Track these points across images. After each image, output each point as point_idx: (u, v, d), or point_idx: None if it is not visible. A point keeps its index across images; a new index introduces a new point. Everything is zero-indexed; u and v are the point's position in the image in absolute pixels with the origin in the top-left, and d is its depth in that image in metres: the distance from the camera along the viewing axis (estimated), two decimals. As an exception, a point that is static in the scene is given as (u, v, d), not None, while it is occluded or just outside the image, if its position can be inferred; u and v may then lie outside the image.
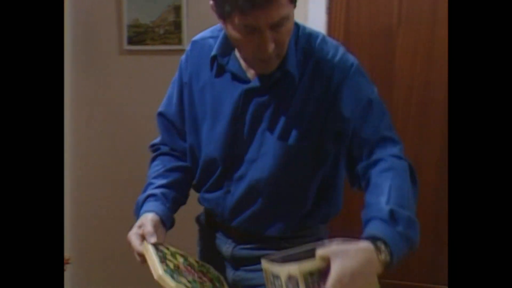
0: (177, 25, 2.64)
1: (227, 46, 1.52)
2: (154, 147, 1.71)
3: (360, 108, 1.46)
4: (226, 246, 1.58)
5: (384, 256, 1.25)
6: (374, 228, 1.30)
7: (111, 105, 2.72)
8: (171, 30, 2.66)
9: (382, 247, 1.26)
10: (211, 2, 1.41)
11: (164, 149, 1.67)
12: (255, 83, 1.50)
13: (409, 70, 2.50)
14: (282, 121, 1.49)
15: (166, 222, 1.48)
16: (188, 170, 1.63)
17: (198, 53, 1.61)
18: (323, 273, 1.18)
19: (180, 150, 1.65)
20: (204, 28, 2.61)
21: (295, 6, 1.41)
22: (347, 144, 1.48)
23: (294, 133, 1.49)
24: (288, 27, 1.39)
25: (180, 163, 1.63)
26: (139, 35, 2.69)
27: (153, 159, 1.69)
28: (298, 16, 2.77)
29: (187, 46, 2.53)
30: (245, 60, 1.49)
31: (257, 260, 1.49)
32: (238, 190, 1.54)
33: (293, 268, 1.19)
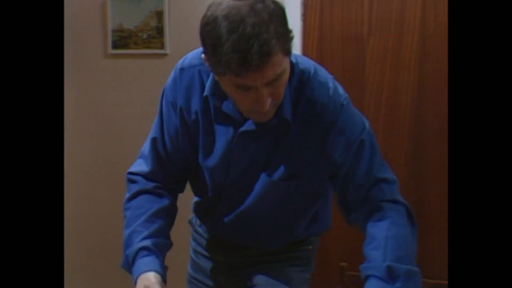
0: (159, 30, 2.67)
1: (220, 91, 1.41)
2: (133, 177, 1.61)
3: (352, 152, 1.42)
4: (220, 253, 1.63)
5: None
6: (373, 287, 1.34)
7: (96, 106, 2.76)
8: (154, 35, 2.69)
9: None
10: (203, 56, 1.33)
11: (145, 185, 1.58)
12: (249, 126, 1.43)
13: (379, 74, 2.61)
14: (274, 161, 1.46)
15: (165, 277, 1.44)
16: (171, 208, 1.56)
17: (187, 82, 1.51)
18: None
19: (167, 181, 1.57)
20: (185, 32, 2.71)
21: (290, 56, 1.33)
22: (340, 185, 1.45)
23: (284, 173, 1.45)
24: (284, 79, 1.33)
25: (163, 204, 1.55)
26: (123, 40, 2.73)
27: (132, 197, 1.58)
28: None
29: (168, 50, 2.62)
30: (240, 110, 1.41)
31: (252, 264, 1.57)
32: (229, 220, 1.55)
33: None
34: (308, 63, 1.46)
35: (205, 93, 1.45)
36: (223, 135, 1.47)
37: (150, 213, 1.51)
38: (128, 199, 1.58)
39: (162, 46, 2.68)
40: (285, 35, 1.27)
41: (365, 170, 1.43)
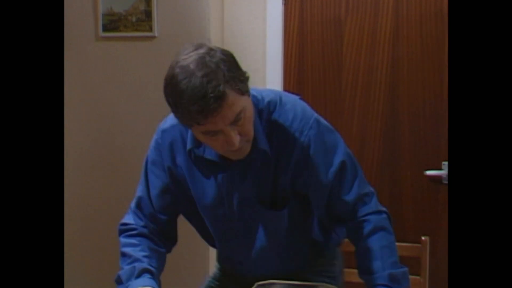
0: (148, 14, 2.71)
1: (198, 140, 1.51)
2: (128, 227, 1.68)
3: (333, 173, 1.53)
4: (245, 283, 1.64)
5: None
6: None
7: (87, 87, 2.81)
8: (143, 18, 2.72)
9: None
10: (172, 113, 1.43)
11: (142, 230, 1.65)
12: (233, 168, 1.54)
13: (356, 55, 2.73)
14: (264, 192, 1.55)
15: None
16: (164, 257, 1.67)
17: (170, 141, 1.62)
18: None
19: (158, 233, 1.65)
20: (173, 16, 2.79)
21: (248, 94, 1.43)
22: (326, 203, 1.57)
23: (278, 201, 1.56)
24: (247, 116, 1.41)
25: (161, 249, 1.65)
26: (113, 23, 2.75)
27: (131, 236, 1.65)
28: (257, 7, 3.05)
29: (156, 33, 2.71)
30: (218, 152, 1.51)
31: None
32: (248, 260, 1.64)
33: None
34: (273, 94, 1.56)
35: (188, 147, 1.56)
36: (212, 181, 1.57)
37: (151, 249, 1.62)
38: (125, 238, 1.66)
39: (150, 29, 2.72)
40: (236, 77, 1.38)
41: (349, 188, 1.56)
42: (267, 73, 2.82)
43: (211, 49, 1.40)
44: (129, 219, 1.69)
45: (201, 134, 1.43)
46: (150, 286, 1.51)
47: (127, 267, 1.57)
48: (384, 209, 1.60)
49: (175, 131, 1.62)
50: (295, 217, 1.60)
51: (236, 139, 1.41)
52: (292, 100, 1.57)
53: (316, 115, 1.56)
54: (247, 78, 1.44)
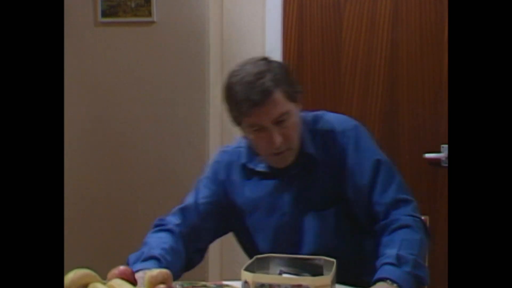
0: None
1: (252, 153, 1.69)
2: (161, 222, 1.74)
3: (369, 172, 1.60)
4: None
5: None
6: (382, 272, 1.47)
7: (87, 72, 2.82)
8: (142, 4, 2.73)
9: (390, 283, 1.43)
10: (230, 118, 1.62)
11: (173, 228, 1.70)
12: (282, 176, 1.66)
13: (355, 39, 2.74)
14: (313, 195, 1.64)
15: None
16: (182, 260, 1.67)
17: (228, 160, 1.75)
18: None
19: (192, 239, 1.70)
20: (172, 1, 2.80)
21: (297, 104, 1.61)
22: (363, 204, 1.62)
23: (327, 202, 1.63)
24: (292, 122, 1.57)
25: (182, 253, 1.67)
26: (112, 8, 2.76)
27: (159, 231, 1.70)
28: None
29: (155, 18, 2.73)
30: (262, 157, 1.66)
31: None
32: None
33: (249, 276, 1.35)
34: (317, 111, 1.73)
35: (243, 161, 1.71)
36: (263, 192, 1.69)
37: (170, 247, 1.63)
38: (154, 231, 1.72)
39: (149, 14, 2.72)
40: (286, 83, 1.57)
41: (383, 189, 1.60)
42: (266, 53, 2.81)
43: (271, 60, 1.62)
44: (166, 217, 1.76)
45: (248, 128, 1.59)
46: (153, 267, 1.51)
47: (137, 252, 1.62)
48: (420, 216, 1.60)
49: (234, 153, 1.76)
50: (341, 221, 1.65)
51: (278, 139, 1.55)
52: (336, 114, 1.73)
53: (356, 122, 1.70)
54: (299, 89, 1.63)
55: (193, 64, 2.72)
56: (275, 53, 2.81)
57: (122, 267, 1.34)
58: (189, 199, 1.77)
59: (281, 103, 1.55)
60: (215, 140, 2.81)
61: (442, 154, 2.66)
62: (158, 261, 1.58)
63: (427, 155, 2.67)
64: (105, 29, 2.79)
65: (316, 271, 1.46)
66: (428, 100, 2.68)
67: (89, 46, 2.81)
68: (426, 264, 1.58)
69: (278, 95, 1.54)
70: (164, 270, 1.33)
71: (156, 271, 1.33)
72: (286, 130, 1.57)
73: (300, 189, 1.66)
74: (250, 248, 1.77)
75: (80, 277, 1.28)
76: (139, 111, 2.78)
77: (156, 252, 1.60)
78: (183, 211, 1.75)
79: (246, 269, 1.39)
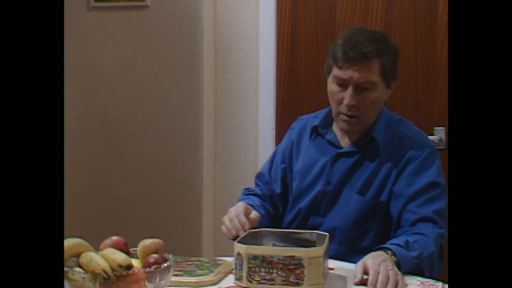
0: None
1: (327, 121, 1.77)
2: (248, 191, 1.90)
3: (419, 187, 1.62)
4: None
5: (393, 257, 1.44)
6: (386, 244, 1.50)
7: (80, 58, 2.81)
8: None
9: (390, 253, 1.45)
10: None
11: (258, 192, 1.86)
12: (346, 149, 1.72)
13: (349, 22, 2.73)
14: (362, 179, 1.68)
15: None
16: (270, 215, 1.81)
17: (302, 125, 1.85)
18: (266, 260, 1.35)
19: (272, 198, 1.85)
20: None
21: (387, 87, 1.66)
22: (401, 208, 1.63)
23: (370, 191, 1.67)
24: (372, 96, 1.63)
25: (270, 209, 1.82)
26: None
27: (247, 194, 1.87)
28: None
29: (149, 2, 2.70)
30: (334, 117, 1.72)
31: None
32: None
33: (241, 248, 1.37)
34: (406, 119, 1.79)
35: (315, 123, 1.78)
36: (322, 158, 1.75)
37: (260, 203, 1.79)
38: (242, 195, 1.89)
39: (142, -1, 2.70)
40: (388, 63, 1.63)
41: (422, 205, 1.61)
42: (260, 41, 2.82)
43: (388, 38, 1.69)
44: (251, 187, 1.91)
45: (332, 83, 1.65)
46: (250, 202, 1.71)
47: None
48: (440, 241, 1.59)
49: (309, 119, 1.84)
50: (374, 213, 1.68)
51: (351, 100, 1.61)
52: (420, 130, 1.77)
53: (435, 147, 1.73)
54: (395, 76, 1.69)
55: (186, 49, 2.72)
56: (269, 37, 2.81)
57: (114, 237, 1.35)
58: (263, 169, 1.90)
59: (373, 72, 1.61)
60: (209, 125, 2.82)
61: (435, 137, 2.67)
62: (260, 198, 1.81)
63: (421, 138, 2.69)
64: (98, 14, 2.78)
65: (309, 245, 1.47)
66: (422, 82, 2.70)
67: (82, 31, 2.80)
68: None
69: (375, 65, 1.61)
70: (157, 240, 1.34)
71: (149, 241, 1.34)
72: (363, 99, 1.63)
73: (354, 168, 1.70)
74: (279, 211, 1.85)
75: (72, 246, 1.28)
76: (132, 96, 2.78)
77: (250, 202, 1.74)
78: (259, 179, 1.89)
79: (239, 242, 1.40)
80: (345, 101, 1.63)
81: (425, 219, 1.60)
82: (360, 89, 1.62)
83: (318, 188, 1.73)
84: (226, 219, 1.61)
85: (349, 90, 1.61)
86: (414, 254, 1.50)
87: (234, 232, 1.56)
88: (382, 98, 1.68)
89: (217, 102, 2.90)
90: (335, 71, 1.64)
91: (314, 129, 1.78)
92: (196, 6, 2.69)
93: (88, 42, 2.80)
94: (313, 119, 1.83)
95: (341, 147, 1.73)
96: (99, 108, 2.82)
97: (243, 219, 1.57)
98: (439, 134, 2.67)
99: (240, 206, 1.64)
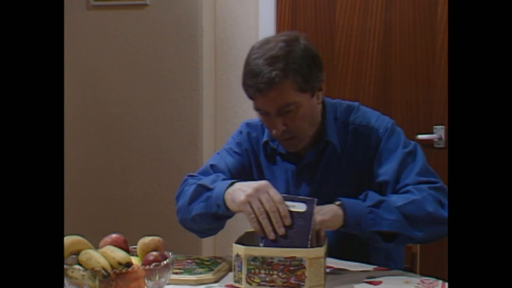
0: None
1: None
2: (193, 180, 1.67)
3: (396, 166, 1.56)
4: None
5: (341, 207, 1.43)
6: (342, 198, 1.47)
7: (79, 56, 2.82)
8: None
9: (337, 202, 1.45)
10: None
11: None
12: (305, 160, 1.62)
13: (348, 20, 2.74)
14: (330, 187, 1.61)
15: None
16: None
17: (249, 136, 1.71)
18: (266, 261, 1.32)
19: None
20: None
21: (312, 95, 1.53)
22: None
23: (341, 195, 1.54)
24: (299, 114, 1.52)
25: None
26: None
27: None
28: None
29: (148, 1, 2.71)
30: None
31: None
32: None
33: (240, 249, 1.34)
34: (352, 103, 1.69)
35: (264, 139, 1.68)
36: (282, 173, 1.66)
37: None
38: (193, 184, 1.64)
39: (142, -3, 2.69)
40: (303, 74, 1.50)
41: (407, 177, 1.55)
42: (259, 36, 2.79)
43: (297, 41, 1.53)
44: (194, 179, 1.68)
45: (256, 110, 1.56)
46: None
47: (209, 178, 1.60)
48: (436, 192, 1.52)
49: (258, 128, 1.71)
50: None
51: (278, 128, 1.52)
52: (370, 109, 1.68)
53: (393, 120, 1.66)
54: (319, 81, 1.55)
55: (186, 48, 2.71)
56: (268, 33, 2.80)
57: (114, 235, 1.34)
58: (214, 161, 1.71)
59: (288, 94, 1.49)
60: (208, 123, 2.82)
61: (435, 135, 2.68)
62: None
63: (420, 136, 2.69)
64: (98, 12, 2.78)
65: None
66: (421, 80, 2.70)
67: (81, 30, 2.80)
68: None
69: (286, 86, 1.48)
70: (157, 238, 1.33)
71: (148, 239, 1.33)
72: (290, 121, 1.53)
73: (319, 177, 1.63)
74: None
75: (71, 243, 1.28)
76: (132, 95, 2.78)
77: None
78: (213, 168, 1.69)
79: (237, 243, 1.39)
80: (274, 132, 1.54)
81: (414, 184, 1.55)
82: (283, 112, 1.51)
83: None
84: (261, 212, 1.40)
85: (273, 119, 1.52)
86: (370, 203, 1.47)
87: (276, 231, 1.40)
88: (313, 107, 1.57)
89: (216, 101, 2.90)
90: (254, 103, 1.55)
91: (266, 144, 1.69)
92: (195, 5, 2.69)
93: (88, 41, 2.80)
94: (261, 128, 1.70)
95: (300, 157, 1.64)
96: (99, 107, 2.82)
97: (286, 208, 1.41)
98: (439, 132, 2.68)
99: (272, 187, 1.43)
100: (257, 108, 1.55)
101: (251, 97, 1.54)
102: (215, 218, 1.56)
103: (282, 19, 2.82)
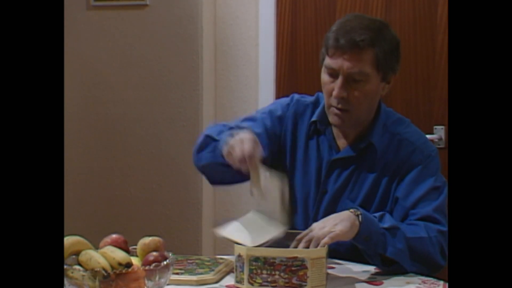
0: None
1: (326, 115, 1.61)
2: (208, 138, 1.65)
3: (420, 194, 1.55)
4: None
5: (358, 219, 1.41)
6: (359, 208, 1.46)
7: (79, 57, 2.80)
8: None
9: (357, 212, 1.42)
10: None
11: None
12: (342, 153, 1.61)
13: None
14: (364, 192, 1.59)
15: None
16: None
17: (299, 110, 1.68)
18: (268, 262, 1.32)
19: None
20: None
21: (384, 80, 1.56)
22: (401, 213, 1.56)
23: (374, 206, 1.58)
24: (365, 89, 1.52)
25: None
26: None
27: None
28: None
29: (148, 1, 2.71)
30: (326, 110, 1.59)
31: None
32: None
33: (242, 249, 1.34)
34: (404, 117, 1.69)
35: (314, 118, 1.64)
36: (315, 160, 1.64)
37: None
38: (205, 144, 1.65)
39: (142, -3, 2.69)
40: (384, 53, 1.52)
41: (424, 207, 1.54)
42: (259, 39, 2.82)
43: (389, 27, 1.60)
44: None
45: (324, 69, 1.55)
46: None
47: (216, 129, 1.63)
48: (438, 239, 1.51)
49: (307, 105, 1.69)
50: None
51: (341, 91, 1.51)
52: (420, 131, 1.67)
53: (437, 151, 1.63)
54: (393, 70, 1.59)
55: (186, 48, 2.72)
56: (269, 36, 2.81)
57: (114, 235, 1.34)
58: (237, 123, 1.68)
59: (366, 63, 1.51)
60: (208, 124, 2.81)
61: (435, 136, 2.68)
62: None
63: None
64: (98, 13, 2.78)
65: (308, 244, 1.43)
66: (421, 81, 2.70)
67: (81, 30, 2.80)
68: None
69: (367, 55, 1.51)
70: (157, 238, 1.33)
71: (148, 239, 1.33)
72: (354, 91, 1.53)
73: (352, 177, 1.61)
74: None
75: (71, 244, 1.28)
76: (132, 95, 2.78)
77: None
78: (248, 120, 1.68)
79: (239, 244, 1.38)
80: (334, 93, 1.52)
81: (424, 219, 1.55)
82: (351, 80, 1.51)
83: (312, 194, 1.65)
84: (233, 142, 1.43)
85: (339, 81, 1.51)
86: (385, 225, 1.46)
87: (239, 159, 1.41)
88: (377, 92, 1.58)
89: (216, 101, 2.90)
90: (326, 60, 1.54)
91: (313, 124, 1.66)
92: (195, 5, 2.69)
93: (88, 41, 2.80)
94: (310, 108, 1.68)
95: (338, 150, 1.63)
96: (99, 107, 2.82)
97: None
98: (439, 133, 2.68)
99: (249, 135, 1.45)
100: (327, 67, 1.54)
101: (327, 53, 1.53)
102: (223, 166, 1.53)
103: (282, 20, 2.82)
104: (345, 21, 1.55)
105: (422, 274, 1.50)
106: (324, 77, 1.56)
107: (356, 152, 1.61)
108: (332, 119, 1.58)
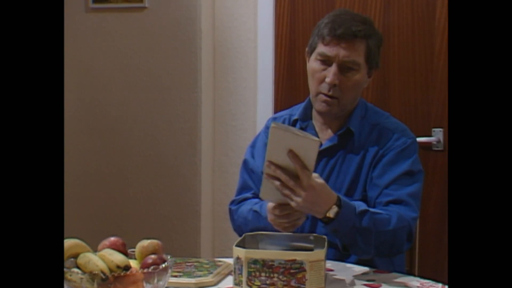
0: None
1: (306, 113, 1.72)
2: (236, 200, 1.78)
3: (393, 177, 1.60)
4: None
5: (335, 208, 1.44)
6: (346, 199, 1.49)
7: (78, 59, 2.81)
8: None
9: (338, 203, 1.44)
10: (307, 49, 1.68)
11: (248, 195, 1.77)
12: (325, 144, 1.66)
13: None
14: (348, 179, 1.65)
15: None
16: None
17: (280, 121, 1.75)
18: (267, 264, 1.32)
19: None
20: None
21: (369, 73, 1.64)
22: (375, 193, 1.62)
23: (357, 191, 1.64)
24: (355, 78, 1.60)
25: None
26: None
27: (242, 204, 1.74)
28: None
29: (147, 4, 2.71)
30: (312, 98, 1.67)
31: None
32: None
33: (241, 252, 1.34)
34: (383, 111, 1.77)
35: (295, 117, 1.73)
36: None
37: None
38: (236, 209, 1.77)
39: (141, 0, 2.72)
40: (374, 46, 1.62)
41: (397, 189, 1.58)
42: (258, 42, 2.82)
43: (374, 26, 1.67)
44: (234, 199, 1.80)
45: (315, 61, 1.62)
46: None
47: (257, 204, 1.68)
48: (410, 222, 1.55)
49: (286, 115, 1.78)
50: None
51: (334, 78, 1.57)
52: (399, 121, 1.74)
53: (414, 136, 1.71)
54: (377, 64, 1.66)
55: (185, 50, 2.72)
56: (267, 38, 2.81)
57: (112, 238, 1.34)
58: (248, 156, 1.83)
59: (359, 53, 1.59)
60: (207, 126, 2.82)
61: (433, 138, 2.67)
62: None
63: (418, 139, 2.67)
64: (96, 15, 2.78)
65: (307, 247, 1.45)
66: (420, 83, 2.70)
67: (80, 32, 2.80)
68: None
69: (361, 46, 1.59)
70: (155, 241, 1.34)
71: (147, 242, 1.34)
72: (345, 80, 1.60)
73: (336, 167, 1.67)
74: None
75: (70, 246, 1.28)
76: (131, 97, 2.78)
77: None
78: (243, 191, 1.79)
79: (237, 246, 1.39)
80: (328, 79, 1.59)
81: (398, 201, 1.58)
82: (344, 68, 1.59)
83: None
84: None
85: (333, 68, 1.58)
86: (362, 225, 1.48)
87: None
88: (363, 83, 1.66)
89: (215, 103, 2.90)
90: (320, 48, 1.60)
91: (295, 123, 1.73)
92: (194, 7, 2.69)
93: (86, 44, 2.80)
94: (290, 115, 1.78)
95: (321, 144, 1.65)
96: (97, 109, 2.82)
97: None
98: (437, 135, 2.68)
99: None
100: (321, 55, 1.59)
101: (322, 42, 1.59)
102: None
103: (281, 22, 2.82)
104: (339, 14, 1.63)
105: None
106: (315, 64, 1.62)
107: (337, 140, 1.67)
108: (319, 106, 1.64)
